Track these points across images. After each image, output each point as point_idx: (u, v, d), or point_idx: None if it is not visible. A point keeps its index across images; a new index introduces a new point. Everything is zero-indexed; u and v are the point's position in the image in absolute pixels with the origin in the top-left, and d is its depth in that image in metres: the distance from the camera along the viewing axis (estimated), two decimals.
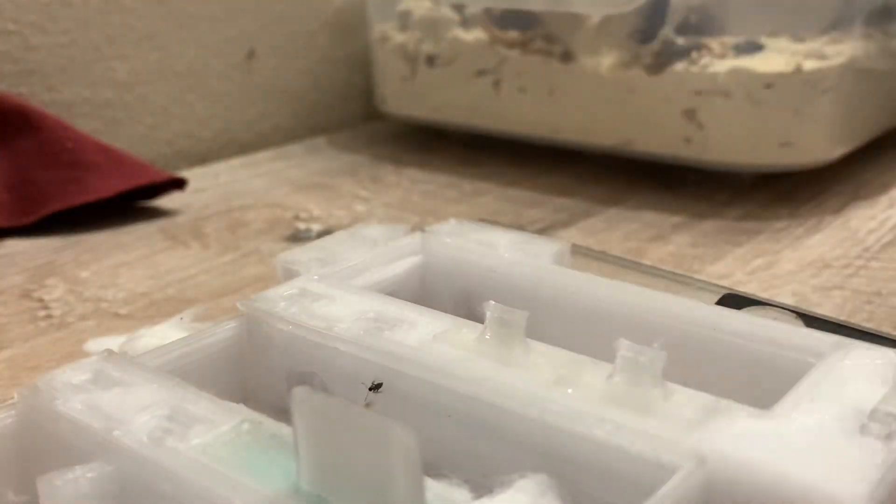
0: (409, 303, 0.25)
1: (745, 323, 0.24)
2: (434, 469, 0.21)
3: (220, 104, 0.58)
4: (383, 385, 0.22)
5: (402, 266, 0.29)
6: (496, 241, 0.29)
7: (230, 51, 0.58)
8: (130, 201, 0.46)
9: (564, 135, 0.50)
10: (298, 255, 0.28)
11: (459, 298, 0.29)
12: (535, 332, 0.22)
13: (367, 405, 0.22)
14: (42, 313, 0.34)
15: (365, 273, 0.28)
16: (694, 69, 0.44)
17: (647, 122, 0.47)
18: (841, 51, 0.44)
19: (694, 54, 0.45)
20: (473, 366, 0.22)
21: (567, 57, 0.49)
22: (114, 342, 0.31)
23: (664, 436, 0.19)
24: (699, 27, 0.45)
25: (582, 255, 0.30)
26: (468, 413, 0.21)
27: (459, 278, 0.29)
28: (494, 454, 0.21)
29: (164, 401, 0.21)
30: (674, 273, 0.29)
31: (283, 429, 0.19)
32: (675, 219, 0.44)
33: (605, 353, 0.21)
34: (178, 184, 0.47)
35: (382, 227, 0.31)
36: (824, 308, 0.33)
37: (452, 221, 0.31)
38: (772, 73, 0.43)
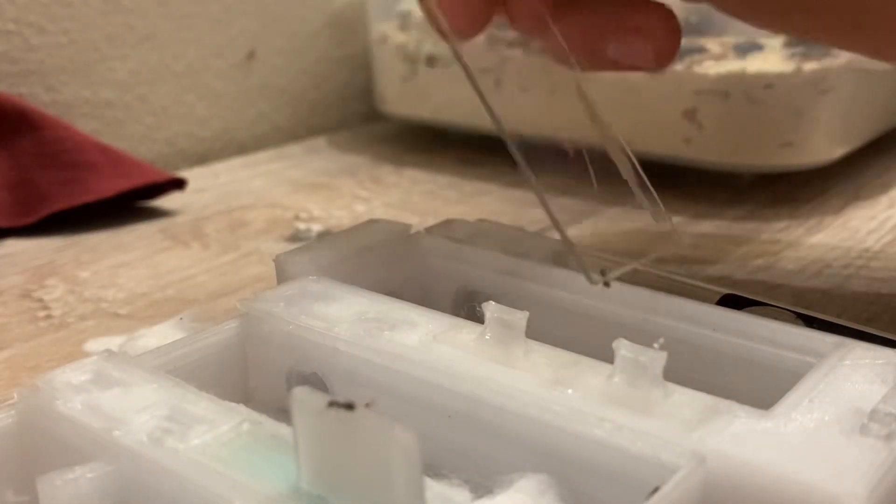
0: (409, 303, 0.25)
1: (745, 323, 0.24)
2: (434, 469, 0.21)
3: (220, 104, 0.58)
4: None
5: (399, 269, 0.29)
6: (496, 241, 0.29)
7: (230, 51, 0.58)
8: (130, 201, 0.46)
9: (565, 135, 0.50)
10: (297, 255, 0.28)
11: (459, 298, 0.29)
12: (535, 332, 0.22)
13: (367, 405, 0.22)
14: (42, 313, 0.34)
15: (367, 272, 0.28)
16: (694, 69, 0.44)
17: (647, 122, 0.46)
18: (841, 50, 0.44)
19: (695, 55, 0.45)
20: (473, 366, 0.21)
21: None
22: (114, 342, 0.31)
23: (664, 436, 0.19)
24: (699, 27, 0.45)
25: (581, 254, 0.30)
26: (468, 413, 0.21)
27: (459, 278, 0.29)
28: (494, 454, 0.21)
29: (164, 401, 0.21)
30: (674, 273, 0.29)
31: (283, 429, 0.19)
32: (675, 219, 0.43)
33: (605, 353, 0.21)
34: (178, 184, 0.47)
35: (386, 222, 0.31)
36: (824, 308, 0.33)
37: (452, 221, 0.31)
38: (772, 73, 0.43)
